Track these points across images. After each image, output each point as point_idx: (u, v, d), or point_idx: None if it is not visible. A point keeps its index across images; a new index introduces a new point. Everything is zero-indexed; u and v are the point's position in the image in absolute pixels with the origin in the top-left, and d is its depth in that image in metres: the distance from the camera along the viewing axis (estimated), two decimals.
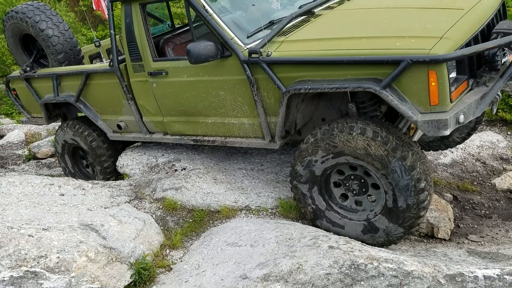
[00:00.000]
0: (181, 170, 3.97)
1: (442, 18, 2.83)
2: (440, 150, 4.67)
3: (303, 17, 3.41)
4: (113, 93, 4.16)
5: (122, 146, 4.69)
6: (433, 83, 2.41)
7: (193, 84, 3.51)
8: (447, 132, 2.45)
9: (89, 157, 4.75)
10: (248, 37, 3.20)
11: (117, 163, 4.38)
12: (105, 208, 3.38)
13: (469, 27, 2.73)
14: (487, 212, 4.04)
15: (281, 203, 3.69)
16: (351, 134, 2.80)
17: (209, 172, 3.94)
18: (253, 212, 3.59)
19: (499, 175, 4.60)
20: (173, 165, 4.08)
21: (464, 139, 4.38)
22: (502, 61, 2.64)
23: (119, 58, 3.98)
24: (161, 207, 3.66)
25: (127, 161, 4.26)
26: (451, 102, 2.49)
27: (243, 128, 3.48)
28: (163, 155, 4.30)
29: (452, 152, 4.97)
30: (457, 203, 4.17)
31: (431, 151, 4.67)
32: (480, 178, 4.63)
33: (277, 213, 3.67)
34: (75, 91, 4.36)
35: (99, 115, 4.46)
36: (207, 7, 3.23)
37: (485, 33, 2.90)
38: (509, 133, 5.60)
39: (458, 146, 5.04)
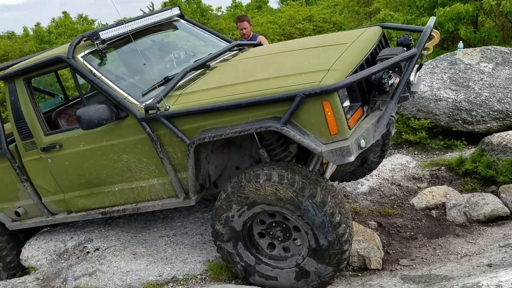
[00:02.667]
0: (94, 251, 3.60)
1: (327, 54, 2.97)
2: (365, 175, 4.73)
3: (199, 71, 3.39)
4: (6, 178, 3.81)
5: (25, 235, 4.19)
6: (329, 113, 2.49)
7: (91, 152, 3.29)
8: (352, 158, 2.50)
9: None
10: (143, 95, 3.10)
11: (20, 257, 3.88)
12: None
13: (354, 58, 2.88)
14: (412, 233, 4.11)
15: (210, 266, 3.46)
16: (258, 181, 2.77)
17: (126, 247, 3.61)
18: (181, 282, 3.31)
19: (415, 195, 4.76)
20: (85, 247, 3.70)
21: (381, 157, 4.45)
22: (389, 83, 2.76)
23: (8, 139, 3.66)
24: None
25: (31, 252, 3.79)
26: (350, 129, 2.56)
27: (154, 189, 3.29)
28: (72, 237, 3.90)
29: (367, 180, 5.10)
30: (383, 229, 4.21)
31: (357, 179, 4.74)
32: (398, 201, 4.76)
33: (207, 278, 3.42)
34: None
35: None
36: (94, 71, 3.13)
37: (370, 62, 3.05)
38: (416, 153, 5.91)
39: (372, 173, 5.19)
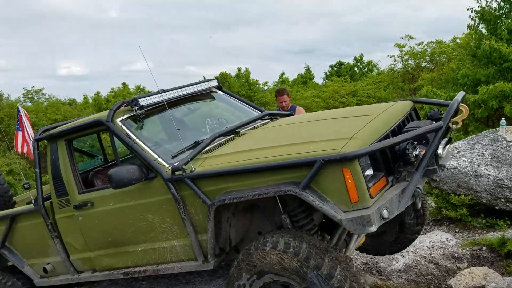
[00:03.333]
0: None
1: (354, 124, 2.99)
2: (399, 251, 4.50)
3: (228, 137, 3.52)
4: (39, 234, 3.92)
5: None
6: (349, 180, 2.44)
7: (120, 211, 3.39)
8: (374, 229, 2.40)
9: None
10: (172, 157, 3.22)
11: None
12: None
13: (378, 128, 2.89)
14: None
15: None
16: (265, 249, 2.71)
17: None
18: None
19: (454, 275, 4.49)
20: None
21: (418, 224, 4.20)
22: (414, 154, 2.71)
23: (45, 195, 3.85)
24: None
25: None
26: (372, 198, 2.49)
27: (175, 251, 3.30)
28: None
29: (403, 256, 4.89)
30: None
31: (392, 253, 4.52)
32: (436, 281, 4.51)
33: None
34: (0, 237, 4.08)
35: (25, 260, 4.12)
36: (130, 134, 3.31)
37: (397, 133, 3.05)
38: (456, 230, 5.65)
39: (409, 249, 4.99)
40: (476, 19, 10.49)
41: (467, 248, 5.01)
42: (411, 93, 20.52)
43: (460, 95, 3.18)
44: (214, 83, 4.36)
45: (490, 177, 5.33)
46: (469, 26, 10.64)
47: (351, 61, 41.27)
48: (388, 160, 2.82)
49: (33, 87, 31.75)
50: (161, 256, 3.36)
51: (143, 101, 3.45)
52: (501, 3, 10.16)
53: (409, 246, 5.04)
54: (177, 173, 3.02)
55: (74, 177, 3.64)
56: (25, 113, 5.53)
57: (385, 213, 2.48)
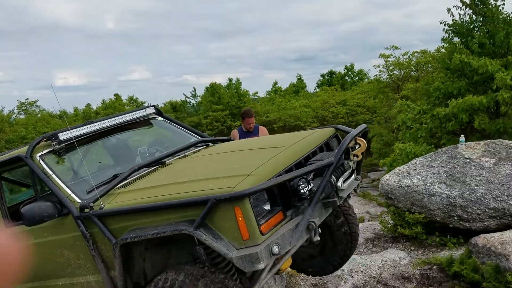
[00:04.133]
0: None
1: (259, 157, 3.00)
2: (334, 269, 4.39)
3: (152, 168, 3.48)
4: None
5: None
6: (240, 219, 2.46)
7: (40, 246, 3.36)
8: (262, 266, 2.41)
9: None
10: (88, 193, 3.17)
11: None
12: None
13: (281, 162, 2.89)
14: None
15: None
16: (158, 285, 2.71)
17: None
18: None
19: None
20: None
21: (343, 257, 4.20)
22: (305, 190, 2.74)
23: None
24: None
25: None
26: (263, 234, 2.50)
27: (90, 286, 3.28)
28: None
29: (352, 276, 4.89)
30: None
31: (325, 273, 4.43)
32: None
33: None
34: None
35: None
36: (46, 169, 3.28)
37: (303, 164, 3.06)
38: (412, 248, 5.65)
39: (359, 269, 4.99)
40: (450, 32, 10.57)
41: (418, 268, 5.01)
42: (396, 102, 20.58)
43: (358, 129, 3.21)
44: (151, 110, 4.32)
45: (443, 195, 5.34)
46: (443, 39, 10.71)
47: (342, 70, 41.46)
48: (288, 195, 2.82)
49: (27, 99, 31.73)
50: None
51: (63, 135, 3.41)
52: (473, 17, 10.24)
53: (359, 266, 5.05)
54: (85, 210, 2.99)
55: (1, 210, 3.61)
56: None
57: (275, 249, 2.49)
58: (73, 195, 3.16)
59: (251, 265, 2.42)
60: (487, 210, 5.09)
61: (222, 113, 25.50)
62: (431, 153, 6.34)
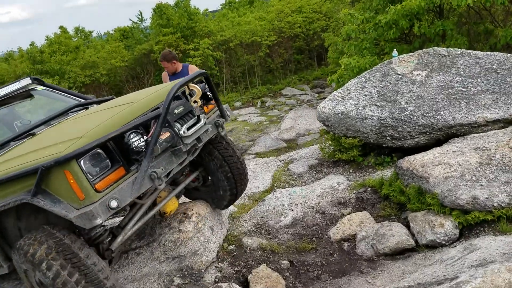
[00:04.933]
0: None
1: (103, 117, 3.10)
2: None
3: (21, 141, 3.57)
4: None
5: None
6: (71, 181, 2.60)
7: None
8: (99, 221, 2.61)
9: None
10: None
11: None
12: None
13: (118, 120, 2.98)
14: (320, 272, 4.07)
15: None
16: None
17: None
18: None
19: (336, 224, 4.70)
20: None
21: (233, 194, 4.39)
22: (138, 144, 2.89)
23: None
24: None
25: None
26: (99, 192, 2.67)
27: None
28: None
29: (292, 210, 5.06)
30: (293, 269, 4.17)
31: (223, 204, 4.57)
32: (319, 231, 4.71)
33: None
34: None
35: None
36: None
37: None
38: (350, 171, 5.83)
39: (298, 201, 5.16)
40: None
41: (354, 191, 5.20)
42: (351, 5, 19.97)
43: (187, 77, 3.26)
44: (26, 81, 4.34)
45: (374, 118, 5.41)
46: None
47: None
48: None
49: None
50: None
51: None
52: None
53: (299, 198, 5.22)
54: None
55: None
56: None
57: (113, 203, 2.68)
58: None
59: (89, 222, 2.61)
60: (416, 127, 5.21)
61: (174, 36, 24.42)
62: (365, 72, 6.31)
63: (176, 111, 3.17)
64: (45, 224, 3.18)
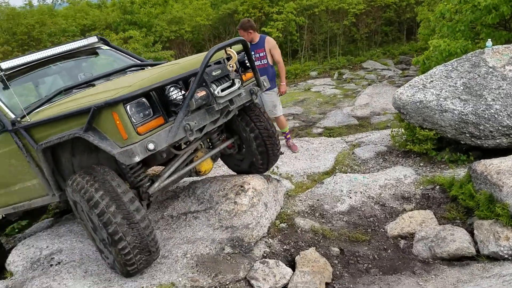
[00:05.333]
0: (56, 264, 4.02)
1: (152, 73, 3.54)
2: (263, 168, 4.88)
3: (81, 89, 4.05)
4: None
5: None
6: (117, 122, 3.00)
7: None
8: (137, 159, 2.98)
9: None
10: (28, 112, 3.72)
11: (6, 261, 4.44)
12: None
13: (162, 76, 3.34)
14: (370, 265, 3.97)
15: None
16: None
17: (83, 263, 3.98)
18: None
19: (395, 219, 4.52)
20: (52, 258, 4.13)
21: (264, 163, 4.75)
22: (176, 97, 3.28)
23: None
24: None
25: (14, 257, 4.30)
26: (140, 135, 3.05)
27: (35, 188, 4.01)
28: (47, 246, 4.36)
29: (350, 197, 4.94)
30: (343, 258, 4.11)
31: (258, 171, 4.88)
32: (376, 224, 4.56)
33: None
34: None
35: None
36: None
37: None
38: (421, 164, 5.54)
39: (357, 189, 5.02)
40: None
41: (421, 187, 4.95)
42: None
43: (226, 42, 3.49)
44: (93, 39, 4.88)
45: (455, 112, 5.03)
46: None
47: None
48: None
49: None
50: (29, 193, 4.12)
51: (4, 65, 4.04)
52: None
53: (360, 186, 5.07)
54: (16, 124, 3.66)
55: None
56: None
57: (151, 145, 3.03)
58: (10, 113, 3.85)
59: (129, 159, 2.99)
60: (500, 128, 4.78)
61: None
62: (453, 60, 5.83)
63: (213, 73, 3.48)
64: (95, 164, 3.60)
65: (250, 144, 4.55)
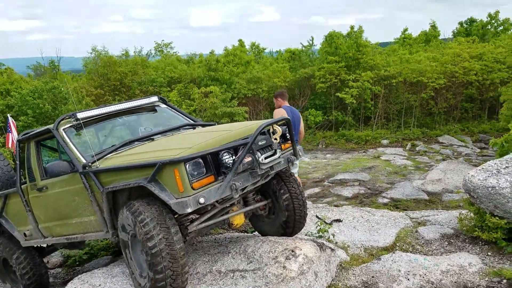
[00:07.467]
0: None
1: (208, 136, 4.10)
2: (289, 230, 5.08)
3: (142, 142, 4.64)
4: (20, 208, 5.36)
5: (38, 254, 5.70)
6: (177, 177, 3.51)
7: (61, 193, 4.70)
8: (190, 210, 3.47)
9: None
10: (94, 158, 4.27)
11: None
12: None
13: (217, 141, 3.93)
14: None
15: None
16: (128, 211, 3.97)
17: None
18: None
19: None
20: None
21: (289, 228, 5.04)
22: (228, 161, 3.81)
23: (23, 181, 5.38)
24: None
25: None
26: (194, 189, 3.55)
27: (91, 224, 4.55)
28: (100, 284, 4.49)
29: (408, 279, 4.65)
30: None
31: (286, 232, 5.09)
32: None
33: None
34: None
35: (16, 227, 5.61)
36: (66, 139, 4.58)
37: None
38: (489, 253, 5.15)
39: (417, 271, 4.74)
40: None
41: (487, 279, 4.56)
42: None
43: (273, 120, 4.28)
44: (154, 98, 5.60)
45: None
46: None
47: (485, 18, 36.49)
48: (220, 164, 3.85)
49: (163, 40, 34.33)
50: (85, 227, 4.67)
51: (80, 115, 4.66)
52: None
53: (420, 268, 4.79)
54: (87, 168, 4.21)
55: (39, 168, 4.98)
56: (12, 121, 8.66)
57: (202, 200, 3.52)
58: (81, 157, 4.41)
59: (182, 209, 3.49)
60: None
61: (337, 65, 24.62)
62: None
63: (260, 143, 4.01)
64: None
65: (280, 208, 4.93)
